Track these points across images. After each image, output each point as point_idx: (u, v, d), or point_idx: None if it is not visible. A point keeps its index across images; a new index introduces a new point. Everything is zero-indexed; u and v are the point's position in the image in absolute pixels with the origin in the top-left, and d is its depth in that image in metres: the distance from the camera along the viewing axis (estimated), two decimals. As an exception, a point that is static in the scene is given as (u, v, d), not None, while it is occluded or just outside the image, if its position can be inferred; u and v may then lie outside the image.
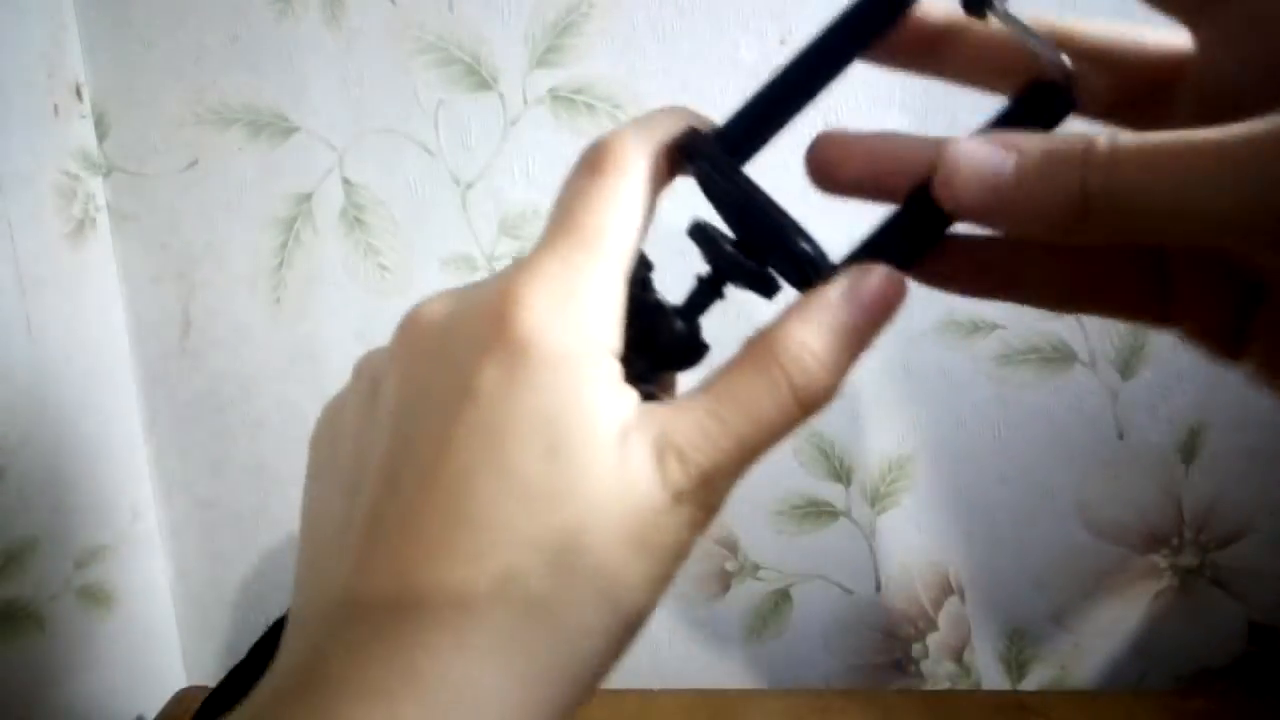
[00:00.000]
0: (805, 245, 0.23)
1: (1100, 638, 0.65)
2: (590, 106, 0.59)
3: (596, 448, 0.21)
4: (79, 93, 0.61)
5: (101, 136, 0.62)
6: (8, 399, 0.56)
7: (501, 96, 0.59)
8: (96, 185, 0.63)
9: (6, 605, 0.57)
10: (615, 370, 0.22)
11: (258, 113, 0.61)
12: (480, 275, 0.62)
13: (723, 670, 0.68)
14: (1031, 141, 0.21)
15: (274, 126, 0.61)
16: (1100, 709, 0.63)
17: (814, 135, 0.25)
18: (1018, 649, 0.66)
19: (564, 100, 0.59)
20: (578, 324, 0.22)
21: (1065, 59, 0.22)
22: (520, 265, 0.22)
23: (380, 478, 0.22)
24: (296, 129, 0.61)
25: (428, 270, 0.62)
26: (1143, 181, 0.19)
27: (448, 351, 0.22)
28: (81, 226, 0.61)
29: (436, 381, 0.22)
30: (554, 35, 0.58)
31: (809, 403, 0.22)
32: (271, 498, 0.67)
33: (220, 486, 0.67)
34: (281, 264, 0.63)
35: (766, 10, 0.56)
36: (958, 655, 0.67)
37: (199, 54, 0.60)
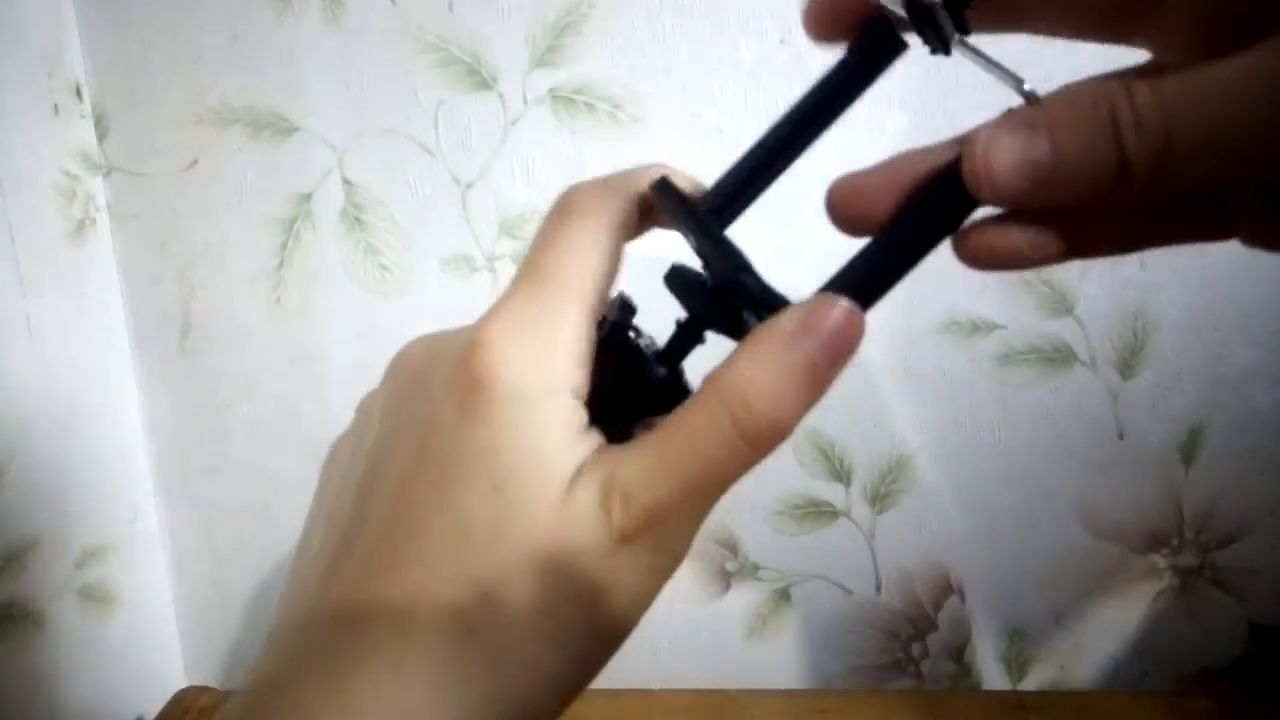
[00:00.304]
0: (752, 282, 0.23)
1: (1100, 638, 0.65)
2: (590, 106, 0.59)
3: (541, 486, 0.21)
4: (79, 93, 0.61)
5: (101, 136, 0.62)
6: (8, 398, 0.56)
7: (501, 96, 0.59)
8: (96, 185, 0.63)
9: (6, 605, 0.57)
10: (573, 410, 0.22)
11: (258, 113, 0.61)
12: (480, 275, 0.62)
13: (723, 670, 0.68)
14: (1057, 115, 0.20)
15: (274, 126, 0.61)
16: (1100, 709, 0.63)
17: (827, 188, 0.24)
18: (1018, 649, 0.66)
19: (564, 100, 0.59)
20: (536, 363, 0.22)
21: (1030, 87, 0.21)
22: (491, 308, 0.23)
23: (352, 507, 0.23)
24: (296, 129, 0.61)
25: (428, 270, 0.62)
26: (1177, 128, 0.19)
27: (422, 389, 0.23)
28: (81, 226, 0.61)
29: (409, 418, 0.23)
30: (554, 35, 0.58)
31: (758, 441, 0.21)
32: (271, 498, 0.67)
33: (220, 486, 0.67)
34: (281, 264, 0.63)
35: (766, 10, 0.56)
36: (958, 655, 0.67)
37: (199, 54, 0.60)
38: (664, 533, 0.21)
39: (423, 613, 0.21)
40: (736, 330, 0.24)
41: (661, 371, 0.25)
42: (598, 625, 0.21)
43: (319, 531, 0.25)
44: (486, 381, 0.22)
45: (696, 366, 0.25)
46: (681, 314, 0.25)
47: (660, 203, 0.24)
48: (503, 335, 0.22)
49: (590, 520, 0.21)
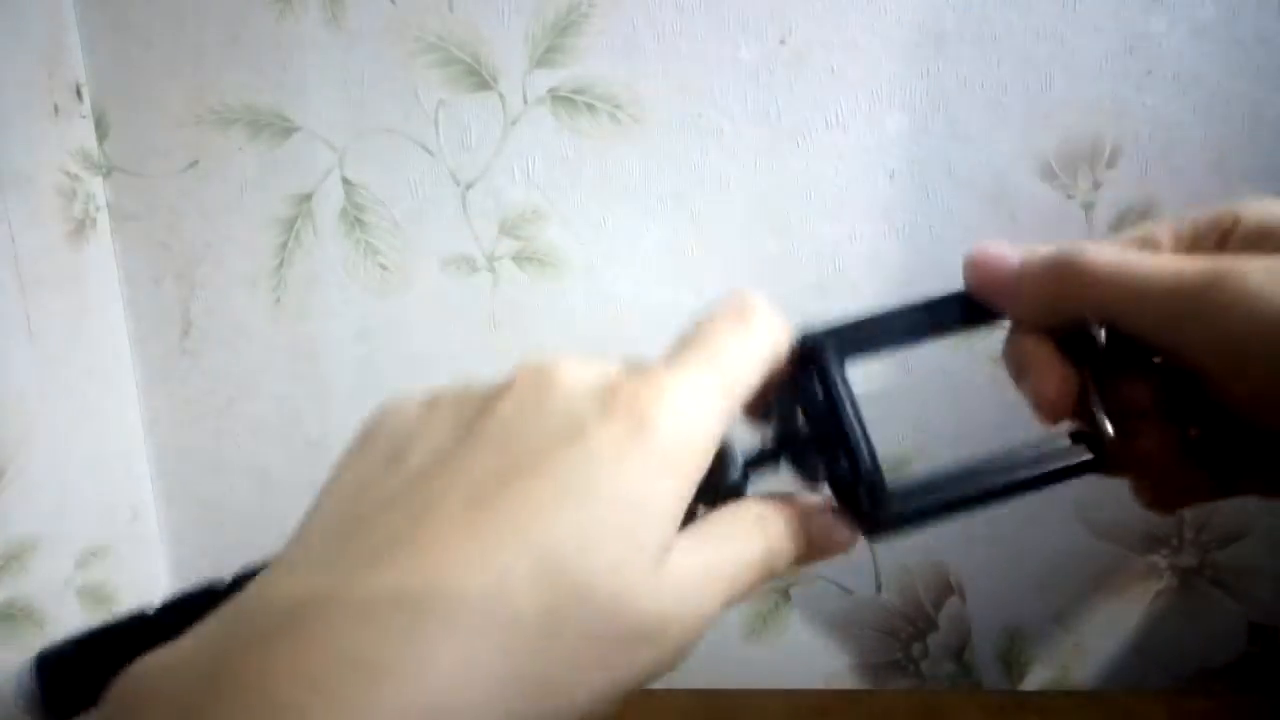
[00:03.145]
0: (876, 477, 0.27)
1: (1100, 638, 0.65)
2: (590, 106, 0.59)
3: (661, 544, 0.22)
4: (79, 93, 0.61)
5: (101, 136, 0.62)
6: (8, 399, 0.56)
7: (501, 96, 0.59)
8: (96, 185, 0.63)
9: (6, 605, 0.57)
10: (689, 498, 0.24)
11: (258, 113, 0.61)
12: (480, 275, 0.62)
13: (723, 670, 0.68)
14: (1042, 250, 0.28)
15: (274, 126, 0.61)
16: (1100, 709, 0.63)
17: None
18: (1018, 649, 0.66)
19: (564, 100, 0.59)
20: (692, 439, 0.23)
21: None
22: (665, 367, 0.24)
23: (451, 466, 0.23)
24: (296, 129, 0.61)
25: (428, 270, 0.62)
26: (1106, 292, 0.26)
27: (573, 399, 0.23)
28: (81, 226, 0.61)
29: (551, 417, 0.23)
30: (554, 35, 0.58)
31: (771, 576, 0.26)
32: (272, 498, 0.67)
33: (220, 487, 0.67)
34: (281, 264, 0.63)
35: (766, 10, 0.56)
36: (958, 655, 0.67)
37: (199, 54, 0.60)
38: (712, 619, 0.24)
39: (512, 594, 0.21)
40: (812, 481, 0.28)
41: (737, 476, 0.27)
42: (646, 673, 0.22)
43: (377, 477, 0.24)
44: (655, 429, 0.22)
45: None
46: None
47: (807, 355, 0.28)
48: (678, 399, 0.23)
49: (696, 597, 0.23)
